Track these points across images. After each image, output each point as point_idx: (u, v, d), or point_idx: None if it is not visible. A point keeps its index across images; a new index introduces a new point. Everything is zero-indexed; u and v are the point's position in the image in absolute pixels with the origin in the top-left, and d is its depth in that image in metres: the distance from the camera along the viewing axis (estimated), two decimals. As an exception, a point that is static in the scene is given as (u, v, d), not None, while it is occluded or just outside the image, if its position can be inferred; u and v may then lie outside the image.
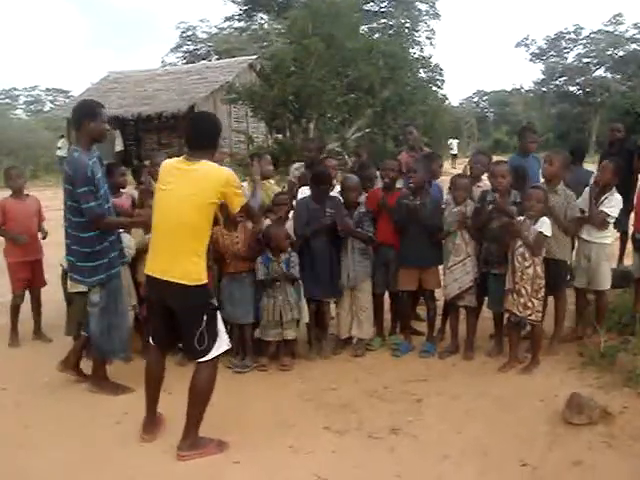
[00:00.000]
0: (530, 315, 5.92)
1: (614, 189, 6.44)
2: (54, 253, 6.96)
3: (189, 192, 4.42)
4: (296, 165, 8.05)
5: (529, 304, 5.88)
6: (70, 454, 4.69)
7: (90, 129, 5.54)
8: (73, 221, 5.54)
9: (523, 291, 5.88)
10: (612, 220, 6.44)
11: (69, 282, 6.27)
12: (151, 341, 4.93)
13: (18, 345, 7.23)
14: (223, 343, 4.68)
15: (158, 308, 4.75)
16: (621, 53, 54.77)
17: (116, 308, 5.76)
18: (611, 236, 6.63)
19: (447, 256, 6.46)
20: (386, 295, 7.06)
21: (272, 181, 7.40)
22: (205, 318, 4.51)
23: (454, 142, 35.59)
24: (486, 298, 6.57)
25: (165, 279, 4.50)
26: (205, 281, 4.55)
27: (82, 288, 6.01)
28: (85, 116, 5.56)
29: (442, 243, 6.53)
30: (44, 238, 7.44)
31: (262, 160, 7.23)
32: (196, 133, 4.69)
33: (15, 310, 7.31)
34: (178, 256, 4.48)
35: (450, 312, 6.75)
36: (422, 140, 8.75)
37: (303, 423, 5.16)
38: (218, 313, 4.68)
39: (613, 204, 6.37)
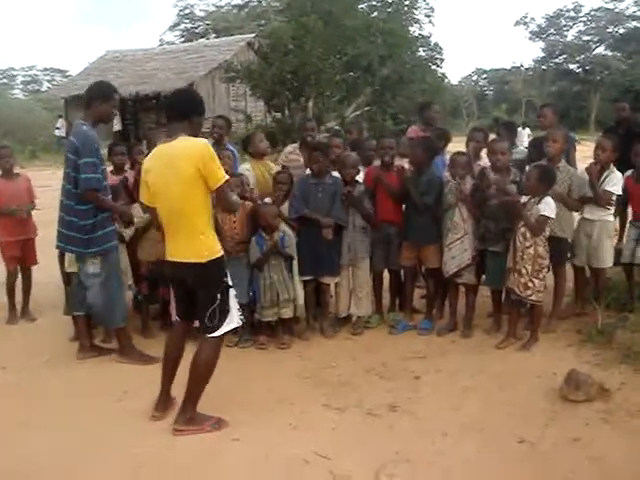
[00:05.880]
0: (531, 295, 5.92)
1: (612, 166, 6.44)
2: (54, 233, 6.94)
3: (172, 173, 4.41)
4: (289, 149, 7.88)
5: (530, 284, 5.88)
6: (72, 432, 4.70)
7: (100, 109, 5.71)
8: (71, 192, 5.61)
9: (524, 271, 5.87)
10: (615, 198, 6.44)
11: (66, 261, 6.28)
12: (176, 317, 5.01)
13: (16, 323, 7.26)
14: (233, 320, 4.69)
15: (179, 288, 4.83)
16: (621, 31, 54.64)
17: (117, 278, 5.86)
18: (612, 213, 6.62)
19: (445, 234, 6.45)
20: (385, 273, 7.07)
21: (269, 162, 7.35)
22: (219, 296, 4.55)
23: (524, 132, 23.52)
24: (484, 276, 6.58)
25: (180, 261, 4.56)
26: (218, 255, 4.57)
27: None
28: (99, 96, 5.72)
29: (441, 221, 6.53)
30: (29, 213, 7.40)
31: (256, 138, 7.19)
32: (170, 103, 4.75)
33: (10, 288, 7.36)
34: (184, 238, 4.52)
35: (449, 290, 6.75)
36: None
37: (302, 401, 5.17)
38: (232, 291, 4.68)
39: (615, 182, 6.37)
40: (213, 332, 4.60)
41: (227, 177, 4.52)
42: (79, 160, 5.47)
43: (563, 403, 4.92)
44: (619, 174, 6.44)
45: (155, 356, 5.77)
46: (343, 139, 7.67)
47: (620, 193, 6.45)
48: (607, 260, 6.57)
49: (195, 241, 4.50)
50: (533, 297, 5.93)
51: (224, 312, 4.60)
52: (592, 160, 6.53)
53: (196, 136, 4.63)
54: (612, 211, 6.58)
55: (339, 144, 7.18)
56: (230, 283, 4.68)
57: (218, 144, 7.39)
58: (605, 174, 6.40)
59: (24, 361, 6.13)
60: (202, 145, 4.42)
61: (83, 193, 5.54)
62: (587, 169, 6.46)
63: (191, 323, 4.96)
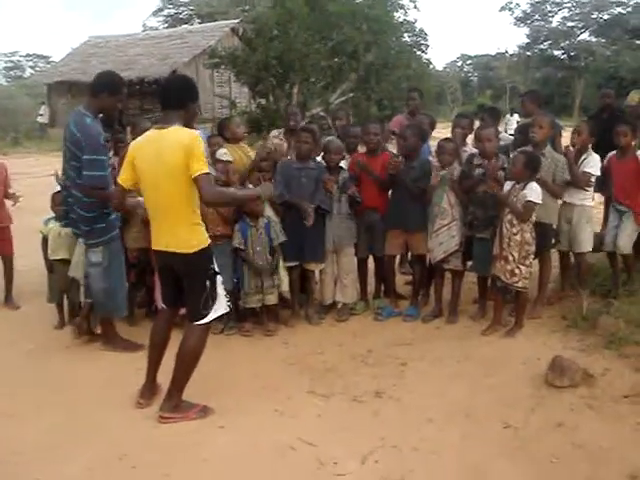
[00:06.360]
0: (517, 282, 5.92)
1: (590, 149, 6.54)
2: (37, 220, 6.90)
3: (161, 163, 4.36)
4: (274, 133, 7.95)
5: (516, 271, 5.88)
6: (57, 421, 4.69)
7: (106, 102, 5.62)
8: (77, 182, 5.56)
9: (510, 258, 5.87)
10: (594, 179, 6.51)
11: (49, 248, 6.27)
12: (162, 304, 5.01)
13: None
14: (221, 307, 4.70)
15: (166, 275, 4.80)
16: (606, 17, 54.59)
17: (119, 267, 5.84)
18: (591, 198, 6.67)
19: (433, 220, 6.45)
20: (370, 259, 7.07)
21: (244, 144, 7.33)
22: (208, 283, 4.55)
23: (513, 119, 23.22)
24: (469, 262, 6.59)
25: (167, 250, 4.54)
26: (204, 245, 4.54)
27: (63, 255, 6.06)
28: (107, 89, 5.62)
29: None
30: (14, 204, 7.36)
31: (232, 123, 7.16)
32: (166, 91, 4.65)
33: None
34: (172, 228, 4.48)
35: (435, 276, 6.76)
36: (422, 106, 8.80)
37: (288, 387, 5.18)
38: (219, 277, 4.68)
39: (593, 164, 6.45)
40: (201, 319, 4.60)
41: (207, 170, 4.36)
42: (83, 156, 5.40)
43: (548, 389, 4.95)
44: (597, 156, 6.53)
45: (140, 343, 5.76)
46: (326, 127, 7.72)
47: (598, 174, 6.52)
48: (587, 244, 6.62)
49: (181, 232, 4.47)
50: (519, 284, 5.94)
51: (212, 299, 4.60)
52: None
53: (192, 120, 4.63)
54: (591, 195, 6.63)
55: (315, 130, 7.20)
56: (217, 270, 4.67)
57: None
58: (583, 157, 6.48)
59: (7, 350, 6.09)
60: (193, 136, 4.35)
61: (88, 190, 5.49)
62: (564, 153, 6.49)
63: (177, 310, 4.94)
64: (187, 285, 4.63)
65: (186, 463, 4.16)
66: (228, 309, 4.92)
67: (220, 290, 4.68)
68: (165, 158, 4.34)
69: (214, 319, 4.71)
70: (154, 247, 4.68)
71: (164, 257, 4.62)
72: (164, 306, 4.99)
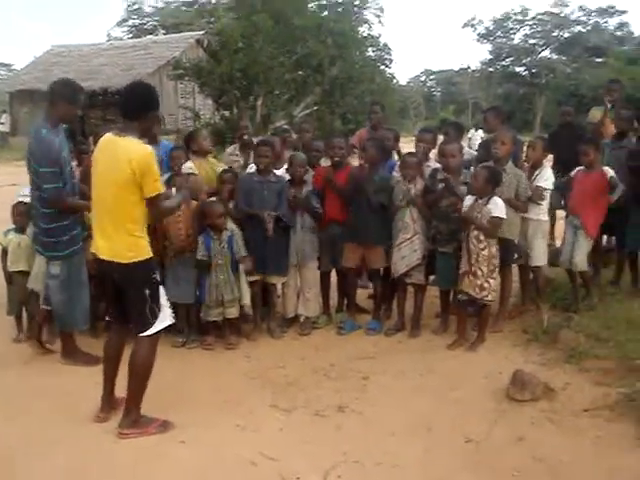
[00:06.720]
0: (487, 296, 5.97)
1: (544, 163, 6.73)
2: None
3: (110, 169, 4.35)
4: (229, 150, 7.98)
5: (485, 285, 5.92)
6: (15, 435, 4.61)
7: (64, 111, 5.52)
8: (35, 195, 5.53)
9: (479, 273, 5.91)
10: (548, 193, 6.62)
11: (9, 260, 6.18)
12: (107, 317, 4.96)
13: None
14: (166, 318, 4.65)
15: (107, 284, 4.73)
16: (566, 35, 55.50)
17: (78, 281, 5.76)
18: (546, 212, 6.80)
19: (396, 234, 6.46)
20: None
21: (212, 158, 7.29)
22: (147, 292, 4.50)
23: (477, 134, 22.01)
24: (432, 277, 6.61)
25: (105, 258, 4.49)
26: (145, 257, 4.50)
27: (22, 267, 6.00)
28: (65, 98, 5.53)
29: (390, 222, 6.54)
30: None
31: (199, 136, 7.13)
32: (124, 102, 4.59)
33: None
34: (112, 236, 4.44)
35: (397, 290, 6.77)
36: (385, 119, 8.88)
37: (249, 401, 5.14)
38: (161, 288, 4.64)
39: (546, 178, 6.59)
40: (146, 331, 4.55)
41: (161, 190, 4.46)
42: (39, 168, 5.35)
43: (509, 402, 4.98)
44: (550, 170, 6.71)
45: (100, 356, 5.68)
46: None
47: (551, 187, 6.65)
48: (541, 258, 6.74)
49: (122, 242, 4.43)
50: (489, 297, 5.99)
51: (155, 310, 4.55)
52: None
53: (150, 130, 4.70)
54: (545, 209, 6.72)
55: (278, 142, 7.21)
56: (159, 279, 4.64)
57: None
58: (537, 171, 6.63)
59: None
60: (145, 153, 4.34)
61: (50, 203, 5.45)
62: (520, 167, 6.61)
63: (127, 323, 4.85)
64: (128, 296, 4.58)
65: (146, 478, 4.11)
66: (173, 320, 4.86)
67: (163, 301, 4.64)
68: (114, 165, 4.33)
69: (161, 330, 4.65)
70: (92, 250, 4.64)
71: (103, 265, 4.57)
72: (111, 320, 4.92)
